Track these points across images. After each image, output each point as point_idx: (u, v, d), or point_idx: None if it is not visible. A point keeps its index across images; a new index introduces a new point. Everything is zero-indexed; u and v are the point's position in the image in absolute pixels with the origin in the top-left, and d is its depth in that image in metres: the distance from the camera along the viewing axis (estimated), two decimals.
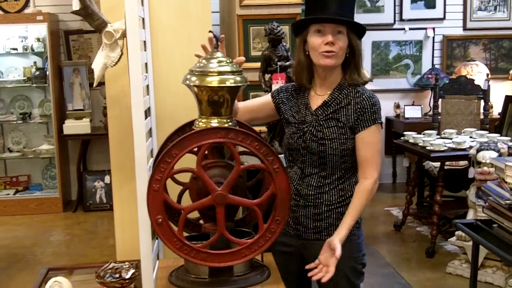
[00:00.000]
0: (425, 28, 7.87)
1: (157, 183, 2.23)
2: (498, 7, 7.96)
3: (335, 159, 2.65)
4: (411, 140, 5.79)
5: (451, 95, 6.50)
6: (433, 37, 7.90)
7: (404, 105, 7.69)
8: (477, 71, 7.40)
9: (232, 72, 2.34)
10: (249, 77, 2.50)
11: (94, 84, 3.31)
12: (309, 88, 2.76)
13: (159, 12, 3.49)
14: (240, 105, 2.82)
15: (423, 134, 5.78)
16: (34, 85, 7.19)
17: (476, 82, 6.49)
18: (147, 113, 3.25)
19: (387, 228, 6.26)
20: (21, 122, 7.25)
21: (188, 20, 3.54)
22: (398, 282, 4.89)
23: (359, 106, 2.63)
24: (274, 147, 3.93)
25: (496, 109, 7.64)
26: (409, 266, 5.27)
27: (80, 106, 7.18)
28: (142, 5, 3.25)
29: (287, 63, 4.03)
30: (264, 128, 4.05)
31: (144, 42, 3.29)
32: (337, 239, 2.49)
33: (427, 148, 5.45)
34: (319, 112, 2.68)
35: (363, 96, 2.65)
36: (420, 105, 7.72)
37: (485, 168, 4.56)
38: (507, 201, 2.92)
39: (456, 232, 4.97)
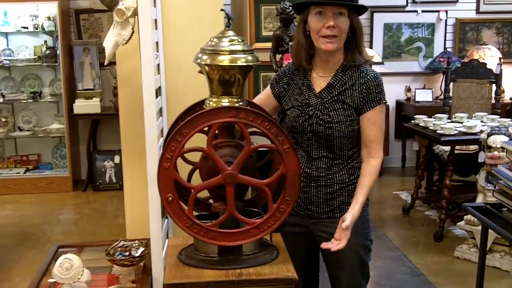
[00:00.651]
0: (438, 11, 7.81)
1: (167, 162, 2.24)
2: None
3: (342, 141, 2.65)
4: (421, 124, 5.77)
5: (462, 79, 6.47)
6: (446, 20, 7.85)
7: (415, 89, 7.66)
8: (489, 55, 7.35)
9: (244, 51, 2.34)
10: (260, 57, 2.49)
11: (106, 63, 3.30)
12: (310, 69, 2.74)
13: None
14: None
15: (434, 117, 5.76)
16: (45, 64, 7.19)
17: (488, 66, 6.45)
18: (158, 92, 3.25)
19: (395, 212, 6.26)
20: (31, 101, 7.26)
21: None
22: (405, 265, 4.89)
23: (364, 87, 2.62)
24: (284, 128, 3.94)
25: (508, 93, 7.61)
26: (417, 250, 5.27)
27: (90, 85, 7.18)
28: None
29: None
30: None
31: (155, 20, 3.28)
32: (349, 216, 2.50)
33: (437, 132, 5.43)
34: (324, 95, 2.67)
35: (368, 77, 2.64)
36: (431, 89, 7.69)
37: (496, 153, 4.55)
38: None
39: (465, 217, 4.97)
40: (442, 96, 7.07)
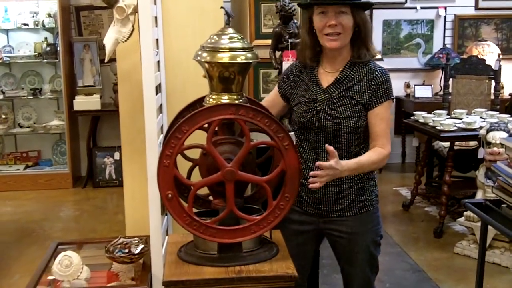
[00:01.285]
0: (437, 7, 7.82)
1: (167, 159, 2.24)
2: None
3: (350, 137, 2.65)
4: (421, 120, 5.78)
5: (462, 75, 6.47)
6: (445, 17, 7.85)
7: (415, 85, 7.66)
8: (488, 51, 7.36)
9: (243, 49, 2.34)
10: (260, 54, 2.50)
11: (106, 60, 3.30)
12: (317, 65, 2.75)
13: None
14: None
15: (433, 114, 5.76)
16: (45, 60, 7.20)
17: (487, 62, 6.45)
18: (158, 89, 3.25)
19: (395, 208, 6.26)
20: (31, 97, 7.26)
21: None
22: (405, 261, 4.90)
23: (372, 83, 2.63)
24: (284, 125, 3.94)
25: (507, 89, 7.61)
26: (417, 246, 5.28)
27: (91, 82, 7.19)
28: None
29: (298, 40, 4.01)
30: None
31: (156, 18, 3.28)
32: (343, 162, 2.50)
33: (437, 128, 5.43)
34: (331, 90, 2.67)
35: (376, 73, 2.64)
36: (431, 85, 7.69)
37: (495, 149, 4.55)
38: None
39: (465, 213, 4.98)
40: (441, 92, 7.08)
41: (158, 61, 3.34)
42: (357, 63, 2.67)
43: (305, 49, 2.73)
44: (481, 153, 4.84)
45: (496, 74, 6.29)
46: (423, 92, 7.53)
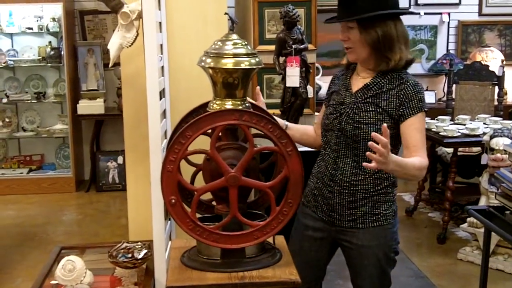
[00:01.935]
0: (441, 13, 7.81)
1: (171, 164, 2.24)
2: None
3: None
4: None
5: (465, 80, 6.47)
6: (448, 22, 7.85)
7: None
8: (492, 57, 7.35)
9: (247, 55, 2.35)
10: (264, 59, 2.51)
11: (110, 65, 3.31)
12: (352, 71, 2.77)
13: None
14: (314, 127, 2.96)
15: (437, 119, 5.76)
16: (49, 64, 7.21)
17: (490, 68, 6.45)
18: (162, 94, 3.26)
19: (398, 214, 6.19)
20: (35, 101, 7.27)
21: (204, 2, 3.54)
22: (408, 267, 4.90)
23: (402, 93, 2.60)
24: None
25: (511, 95, 7.60)
26: (420, 252, 5.28)
27: (94, 86, 7.20)
28: None
29: (302, 46, 4.02)
30: (277, 111, 4.05)
31: (160, 23, 3.29)
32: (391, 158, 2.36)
33: (440, 133, 5.43)
34: (359, 95, 2.67)
35: (408, 83, 2.62)
36: (434, 91, 7.69)
37: (498, 155, 4.55)
38: None
39: (468, 219, 4.97)
40: (445, 98, 7.06)
41: (162, 67, 3.35)
42: (390, 72, 2.64)
43: (346, 57, 2.79)
44: (484, 159, 4.84)
45: (499, 80, 6.30)
46: (426, 97, 7.46)
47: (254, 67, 2.36)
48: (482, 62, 6.85)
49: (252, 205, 2.56)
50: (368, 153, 2.30)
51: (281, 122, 2.84)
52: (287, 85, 4.03)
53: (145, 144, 2.89)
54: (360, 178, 2.66)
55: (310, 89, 4.26)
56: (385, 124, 2.34)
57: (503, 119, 5.79)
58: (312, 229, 2.79)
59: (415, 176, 2.59)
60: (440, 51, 7.86)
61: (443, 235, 5.44)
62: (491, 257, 4.57)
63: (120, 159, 7.07)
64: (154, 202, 2.77)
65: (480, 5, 7.88)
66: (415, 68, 7.84)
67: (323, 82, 6.97)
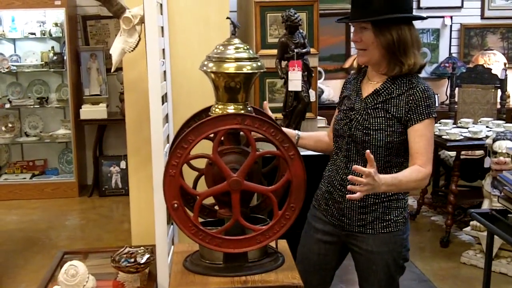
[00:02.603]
0: (443, 17, 7.81)
1: (173, 169, 2.24)
2: None
3: (380, 151, 2.59)
4: None
5: (468, 84, 6.45)
6: (451, 26, 7.84)
7: None
8: (494, 60, 7.34)
9: (249, 59, 2.35)
10: (266, 64, 2.52)
11: (112, 69, 3.32)
12: (363, 75, 2.75)
13: None
14: (327, 132, 2.94)
15: (439, 123, 5.75)
16: (52, 69, 7.21)
17: (493, 71, 6.44)
18: (164, 98, 3.27)
19: None
20: (38, 106, 7.27)
21: (206, 6, 3.55)
22: (412, 271, 4.89)
23: (411, 98, 2.56)
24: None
25: None
26: (423, 256, 5.27)
27: (97, 91, 7.20)
28: None
29: (304, 50, 4.02)
30: (280, 115, 4.05)
31: (162, 28, 3.29)
32: (379, 176, 2.36)
33: (443, 137, 5.42)
34: (369, 100, 2.64)
35: (417, 88, 2.58)
36: (437, 94, 7.67)
37: (501, 158, 4.54)
38: None
39: (471, 222, 4.96)
40: (447, 102, 7.06)
41: (164, 71, 3.35)
42: (400, 76, 2.61)
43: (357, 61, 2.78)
44: (487, 163, 4.83)
45: (502, 83, 6.29)
46: None
47: (256, 71, 2.36)
48: (484, 65, 6.84)
49: (254, 210, 2.56)
50: (349, 186, 2.32)
51: (293, 133, 2.84)
52: (289, 89, 4.03)
53: (147, 148, 2.90)
54: None
55: (312, 93, 4.26)
56: (368, 151, 2.33)
57: (505, 122, 5.77)
58: (322, 233, 2.78)
59: (415, 188, 2.59)
60: (443, 54, 7.86)
61: (446, 239, 5.43)
62: (494, 260, 4.56)
63: (123, 164, 7.07)
64: (157, 207, 2.77)
65: (482, 8, 7.87)
66: None
67: (326, 86, 6.98)
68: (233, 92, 2.37)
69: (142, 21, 3.07)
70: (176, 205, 2.26)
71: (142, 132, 3.46)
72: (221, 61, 2.33)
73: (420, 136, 2.55)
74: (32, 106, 7.26)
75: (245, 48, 2.38)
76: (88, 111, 7.06)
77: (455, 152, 5.53)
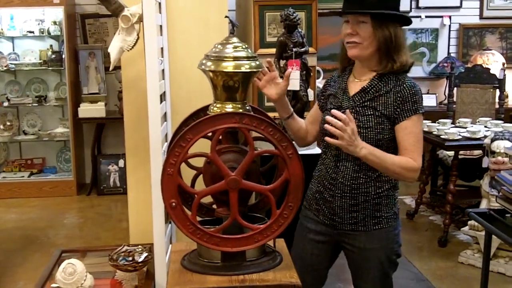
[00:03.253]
0: (441, 16, 7.82)
1: (171, 167, 2.24)
2: None
3: None
4: (425, 129, 5.76)
5: (466, 84, 6.46)
6: (449, 25, 7.85)
7: None
8: (493, 60, 7.35)
9: (248, 58, 2.35)
10: (264, 63, 2.51)
11: (110, 68, 3.33)
12: (349, 73, 2.74)
13: None
14: (306, 121, 2.93)
15: (438, 122, 5.76)
16: (50, 68, 7.21)
17: (492, 71, 6.45)
18: (162, 97, 3.27)
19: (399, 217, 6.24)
20: (36, 105, 7.27)
21: (205, 5, 3.55)
22: (409, 270, 4.89)
23: (399, 95, 2.57)
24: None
25: None
26: (421, 255, 5.27)
27: (96, 89, 7.20)
28: None
29: (303, 49, 4.02)
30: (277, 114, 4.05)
31: (161, 26, 3.29)
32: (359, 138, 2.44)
33: (441, 136, 5.43)
34: (357, 99, 2.64)
35: (404, 85, 2.59)
36: (435, 94, 7.70)
37: (499, 158, 4.54)
38: None
39: (469, 222, 4.96)
40: (446, 101, 7.07)
41: (163, 70, 3.35)
42: (387, 74, 2.62)
43: (340, 58, 2.77)
44: (485, 162, 4.83)
45: (500, 83, 6.30)
46: (427, 101, 7.52)
47: (255, 70, 2.36)
48: (483, 65, 6.85)
49: (252, 208, 2.56)
50: (326, 125, 2.37)
51: (290, 110, 2.82)
52: (288, 88, 4.02)
53: (146, 147, 2.90)
54: (361, 181, 2.64)
55: (310, 92, 4.26)
56: (347, 110, 2.40)
57: (504, 122, 5.79)
58: (314, 232, 2.79)
59: (400, 175, 2.58)
60: (441, 54, 7.86)
61: (444, 238, 5.44)
62: (492, 260, 4.56)
63: (121, 163, 7.07)
64: (155, 205, 2.77)
65: (481, 8, 7.88)
66: (416, 71, 7.85)
67: None
68: (232, 91, 2.37)
69: (140, 19, 3.07)
70: (174, 203, 2.26)
71: (140, 131, 3.45)
72: (219, 59, 2.33)
73: (408, 134, 2.58)
74: (30, 105, 7.25)
75: (244, 47, 2.38)
76: (87, 110, 7.05)
77: (453, 152, 5.54)
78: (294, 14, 4.00)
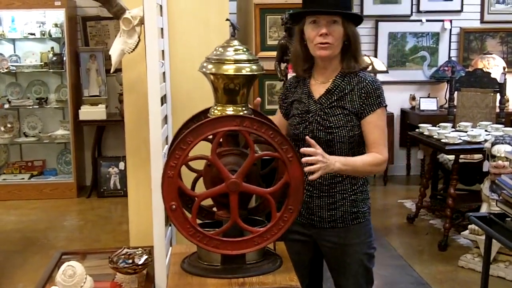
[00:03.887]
0: (442, 20, 7.82)
1: (172, 170, 2.24)
2: None
3: (343, 146, 2.67)
4: (426, 133, 5.78)
5: (467, 88, 6.46)
6: (450, 29, 7.86)
7: (420, 97, 7.66)
8: (493, 64, 7.36)
9: (249, 61, 2.35)
10: (265, 66, 2.52)
11: (111, 70, 3.32)
12: (309, 77, 2.78)
13: (177, 0, 3.50)
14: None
15: (438, 126, 5.76)
16: (51, 70, 7.22)
17: (492, 75, 6.44)
18: (163, 100, 3.26)
19: (400, 220, 6.25)
20: (37, 107, 7.28)
21: (206, 8, 3.54)
22: (409, 274, 4.89)
23: (363, 91, 2.65)
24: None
25: None
26: (421, 259, 5.27)
27: (96, 92, 7.21)
28: None
29: None
30: None
31: (162, 29, 3.29)
32: (327, 155, 2.48)
33: (442, 140, 5.43)
34: (323, 101, 2.70)
35: (366, 81, 2.67)
36: (436, 98, 7.69)
37: (500, 162, 4.54)
38: None
39: (469, 226, 4.96)
40: (446, 105, 7.07)
41: (164, 72, 3.35)
42: (348, 73, 2.70)
43: (298, 61, 2.78)
44: (486, 166, 4.83)
45: (501, 87, 6.29)
46: (428, 104, 7.54)
47: (256, 73, 2.37)
48: (484, 69, 6.86)
49: (252, 211, 2.56)
50: (307, 168, 2.39)
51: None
52: None
53: (146, 149, 2.90)
54: (338, 180, 2.72)
55: None
56: (307, 137, 2.47)
57: (504, 126, 5.79)
58: (294, 233, 2.79)
59: (372, 171, 2.70)
60: (442, 58, 7.87)
61: (444, 242, 5.43)
62: (492, 264, 4.56)
63: (121, 165, 7.08)
64: (155, 208, 2.77)
65: (482, 12, 7.89)
66: (417, 75, 7.87)
67: None
68: (232, 94, 2.37)
69: (141, 22, 3.07)
70: (174, 206, 2.26)
71: (141, 133, 3.45)
72: (220, 62, 2.34)
73: (374, 127, 2.66)
74: (31, 107, 7.27)
75: (245, 50, 2.38)
76: (87, 112, 7.06)
77: (453, 156, 5.54)
78: None
